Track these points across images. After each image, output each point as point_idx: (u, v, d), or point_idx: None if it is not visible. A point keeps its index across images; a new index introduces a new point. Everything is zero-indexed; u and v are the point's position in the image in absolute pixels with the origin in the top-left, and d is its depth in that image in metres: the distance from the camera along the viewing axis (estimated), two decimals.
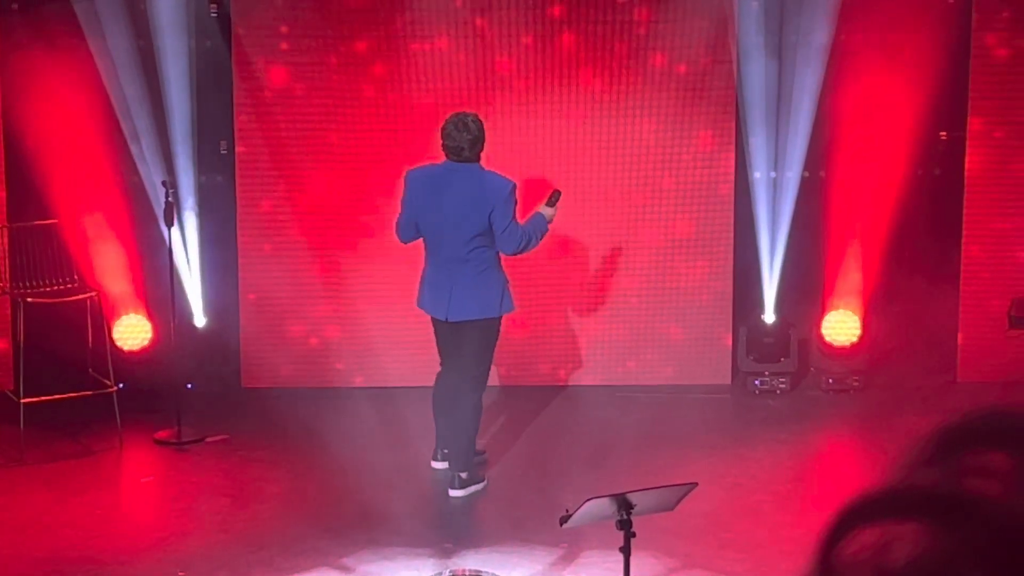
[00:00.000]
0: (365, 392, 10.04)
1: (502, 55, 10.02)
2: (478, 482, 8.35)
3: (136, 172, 9.92)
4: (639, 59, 10.02)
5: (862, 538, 1.00)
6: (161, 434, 9.29)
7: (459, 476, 8.26)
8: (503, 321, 8.38)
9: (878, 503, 1.01)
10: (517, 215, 8.13)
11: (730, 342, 10.38)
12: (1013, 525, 0.96)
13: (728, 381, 10.39)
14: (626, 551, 5.60)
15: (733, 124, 10.12)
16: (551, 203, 8.37)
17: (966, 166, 10.19)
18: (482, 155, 8.20)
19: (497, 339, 8.34)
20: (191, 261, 10.10)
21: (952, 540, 0.96)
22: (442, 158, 8.24)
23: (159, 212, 9.44)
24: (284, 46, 9.98)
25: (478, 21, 9.99)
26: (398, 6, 9.95)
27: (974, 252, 10.26)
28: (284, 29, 9.97)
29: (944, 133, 10.19)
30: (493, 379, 10.13)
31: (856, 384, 10.22)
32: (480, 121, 8.19)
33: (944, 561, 0.96)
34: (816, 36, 9.89)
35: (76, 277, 9.55)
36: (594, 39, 10.02)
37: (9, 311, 9.62)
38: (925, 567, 0.96)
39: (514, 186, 8.11)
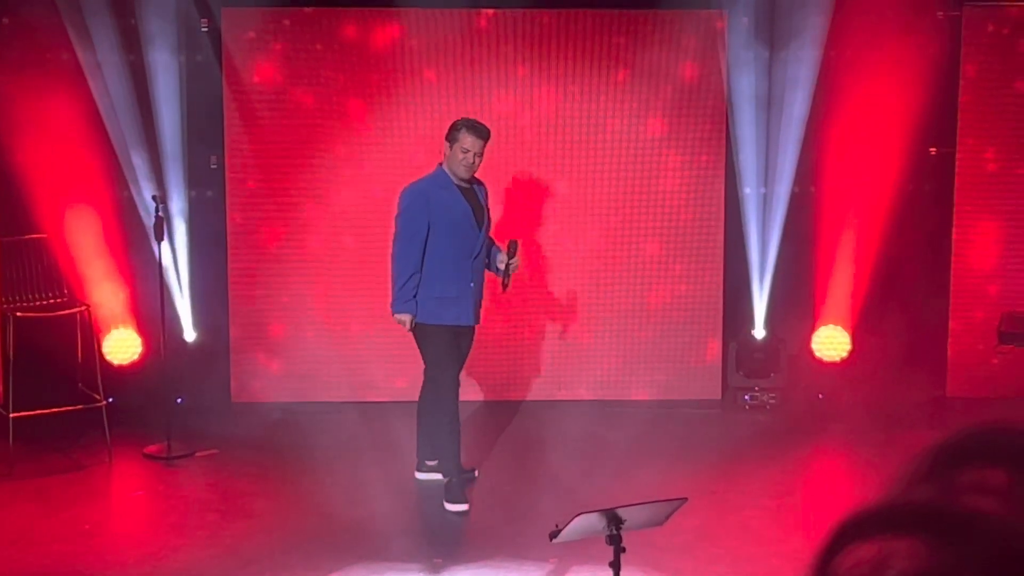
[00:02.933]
0: (354, 407, 10.04)
1: (499, 85, 10.04)
2: (450, 498, 8.23)
3: (126, 187, 9.92)
4: (631, 76, 10.04)
5: (858, 554, 1.00)
6: (150, 449, 9.28)
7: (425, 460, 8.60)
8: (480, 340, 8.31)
9: (874, 518, 1.01)
10: (407, 223, 7.99)
11: (720, 357, 10.39)
12: (1011, 543, 0.96)
13: (718, 396, 10.40)
14: (616, 566, 5.59)
15: (723, 140, 10.15)
16: (511, 254, 8.14)
17: (955, 181, 10.21)
18: (441, 159, 8.13)
19: (435, 347, 8.10)
20: (181, 276, 10.10)
21: (950, 557, 0.96)
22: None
23: (149, 227, 9.44)
24: (275, 62, 9.99)
25: (477, 50, 10.01)
26: (389, 25, 9.97)
27: (963, 267, 10.28)
28: (275, 45, 9.98)
29: (933, 148, 10.21)
30: (484, 394, 10.16)
31: (844, 400, 10.23)
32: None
33: None
34: (806, 52, 9.92)
35: (66, 291, 9.55)
36: (587, 58, 10.04)
37: None
38: None
39: (403, 194, 8.05)
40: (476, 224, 8.03)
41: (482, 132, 7.97)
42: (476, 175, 8.15)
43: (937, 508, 1.00)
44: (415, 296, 8.00)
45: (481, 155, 7.99)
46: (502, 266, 8.13)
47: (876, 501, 1.02)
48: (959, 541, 0.96)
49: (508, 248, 8.16)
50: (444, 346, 8.08)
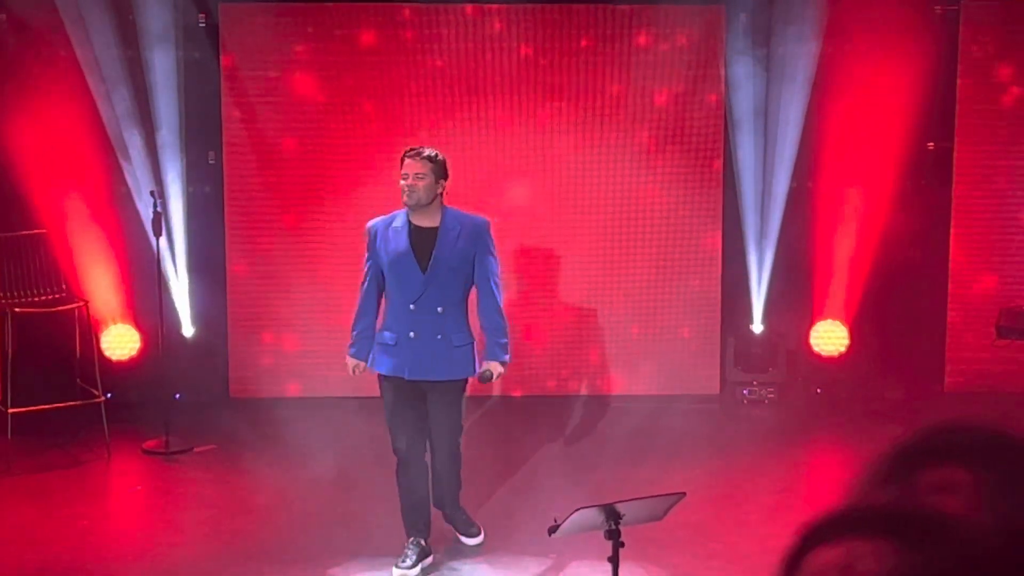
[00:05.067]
0: (352, 402, 10.03)
1: (497, 78, 10.05)
2: (463, 532, 7.67)
3: (124, 182, 9.92)
4: (629, 70, 10.04)
5: (824, 556, 0.99)
6: (149, 444, 9.28)
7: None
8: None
9: (840, 521, 1.01)
10: (365, 262, 7.28)
11: (718, 352, 10.39)
12: (976, 543, 0.95)
13: (716, 391, 10.40)
14: (614, 561, 5.59)
15: (722, 135, 10.15)
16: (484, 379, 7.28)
17: (953, 175, 10.21)
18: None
19: (385, 401, 7.31)
20: (179, 271, 10.10)
21: (916, 559, 0.95)
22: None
23: (147, 222, 9.44)
24: (272, 57, 9.99)
25: (476, 44, 10.02)
26: (389, 20, 9.98)
27: (962, 262, 10.29)
28: (272, 40, 9.97)
29: (931, 143, 10.21)
30: (484, 388, 10.17)
31: (843, 394, 10.24)
32: None
33: None
34: (804, 46, 9.92)
35: (64, 287, 9.54)
36: (585, 51, 10.04)
37: None
38: None
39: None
40: (418, 268, 7.06)
41: (418, 153, 7.07)
42: (476, 213, 7.36)
43: (902, 510, 0.99)
44: (365, 340, 7.29)
45: (424, 177, 6.98)
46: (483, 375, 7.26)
47: (841, 504, 1.02)
48: (925, 543, 0.96)
49: (482, 377, 7.25)
50: (391, 402, 7.26)
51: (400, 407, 7.23)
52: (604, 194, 10.19)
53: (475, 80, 10.05)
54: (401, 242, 7.09)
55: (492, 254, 7.20)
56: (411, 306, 7.07)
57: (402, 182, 7.03)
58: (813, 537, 1.01)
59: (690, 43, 10.03)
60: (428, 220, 7.10)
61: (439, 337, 7.09)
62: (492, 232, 7.23)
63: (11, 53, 9.73)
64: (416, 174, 7.01)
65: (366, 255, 7.25)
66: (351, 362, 7.34)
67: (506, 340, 7.30)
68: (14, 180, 9.74)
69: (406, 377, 7.12)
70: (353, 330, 7.34)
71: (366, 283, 7.27)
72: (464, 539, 7.65)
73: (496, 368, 7.24)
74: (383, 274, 7.18)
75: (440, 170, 7.08)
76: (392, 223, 7.15)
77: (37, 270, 9.50)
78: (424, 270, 7.06)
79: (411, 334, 7.08)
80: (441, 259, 7.06)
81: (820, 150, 10.16)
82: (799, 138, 10.07)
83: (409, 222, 7.11)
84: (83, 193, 9.91)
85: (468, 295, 7.21)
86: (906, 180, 10.19)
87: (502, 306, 7.28)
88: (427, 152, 7.10)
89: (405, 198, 7.03)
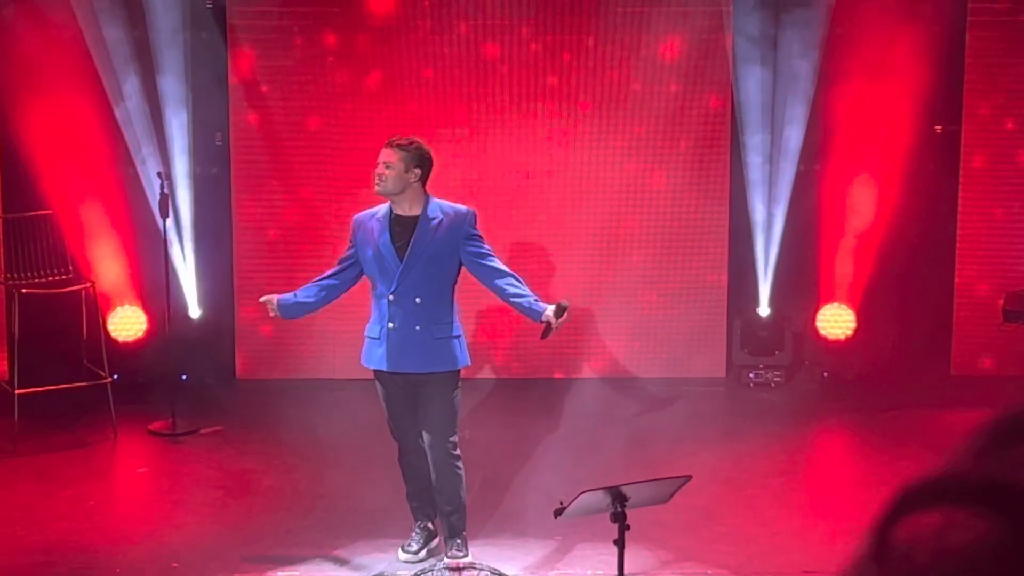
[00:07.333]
0: (360, 384, 10.03)
1: (506, 62, 10.03)
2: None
3: (131, 163, 9.92)
4: (636, 52, 10.02)
5: (918, 523, 0.99)
6: (155, 425, 9.30)
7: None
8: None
9: (935, 489, 1.01)
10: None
11: (725, 335, 10.39)
12: None
13: (723, 374, 10.40)
14: (620, 544, 5.60)
15: (729, 117, 10.13)
16: (558, 315, 6.86)
17: (961, 159, 10.19)
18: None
19: (379, 394, 7.21)
20: (186, 253, 10.11)
21: (1010, 531, 0.95)
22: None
23: (154, 203, 9.45)
24: (279, 38, 9.98)
25: (485, 28, 10.00)
26: (397, 5, 9.98)
27: (969, 245, 10.27)
28: (280, 21, 9.96)
29: (939, 127, 10.19)
30: (490, 371, 10.19)
31: (849, 378, 10.24)
32: None
33: (1005, 552, 0.95)
34: (811, 29, 9.89)
35: (71, 268, 9.54)
36: (591, 33, 10.02)
37: (3, 302, 9.62)
38: (984, 556, 0.95)
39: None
40: (397, 256, 6.93)
41: (392, 143, 6.99)
42: (461, 203, 7.21)
43: (997, 481, 0.99)
44: (299, 298, 7.21)
45: (392, 167, 6.88)
46: (550, 318, 6.89)
47: (936, 471, 1.02)
48: (1019, 515, 0.96)
49: (556, 311, 6.89)
50: (382, 394, 7.18)
51: (391, 400, 7.14)
52: (612, 178, 10.17)
53: (486, 67, 10.02)
54: (382, 231, 6.97)
55: (478, 239, 7.03)
56: (390, 296, 6.93)
57: (375, 171, 6.96)
58: (906, 504, 1.01)
59: (698, 25, 10.00)
60: (409, 209, 6.97)
61: (417, 328, 6.92)
62: (478, 224, 7.05)
63: (18, 33, 9.72)
64: (385, 163, 6.91)
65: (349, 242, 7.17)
66: (269, 296, 7.23)
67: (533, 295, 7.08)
68: (21, 161, 9.75)
69: (385, 370, 7.01)
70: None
71: (338, 262, 7.19)
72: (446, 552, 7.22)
73: (559, 306, 6.90)
74: (358, 266, 7.08)
75: (413, 159, 6.92)
76: (376, 214, 7.05)
77: (44, 251, 9.50)
78: (402, 259, 6.92)
79: (390, 325, 6.93)
80: (419, 247, 6.92)
81: (828, 133, 10.14)
82: (807, 121, 10.05)
83: (391, 211, 7.00)
84: (90, 174, 9.92)
85: (452, 288, 7.04)
86: (913, 163, 10.17)
87: (510, 271, 7.09)
88: (401, 141, 6.98)
89: (375, 187, 6.95)
